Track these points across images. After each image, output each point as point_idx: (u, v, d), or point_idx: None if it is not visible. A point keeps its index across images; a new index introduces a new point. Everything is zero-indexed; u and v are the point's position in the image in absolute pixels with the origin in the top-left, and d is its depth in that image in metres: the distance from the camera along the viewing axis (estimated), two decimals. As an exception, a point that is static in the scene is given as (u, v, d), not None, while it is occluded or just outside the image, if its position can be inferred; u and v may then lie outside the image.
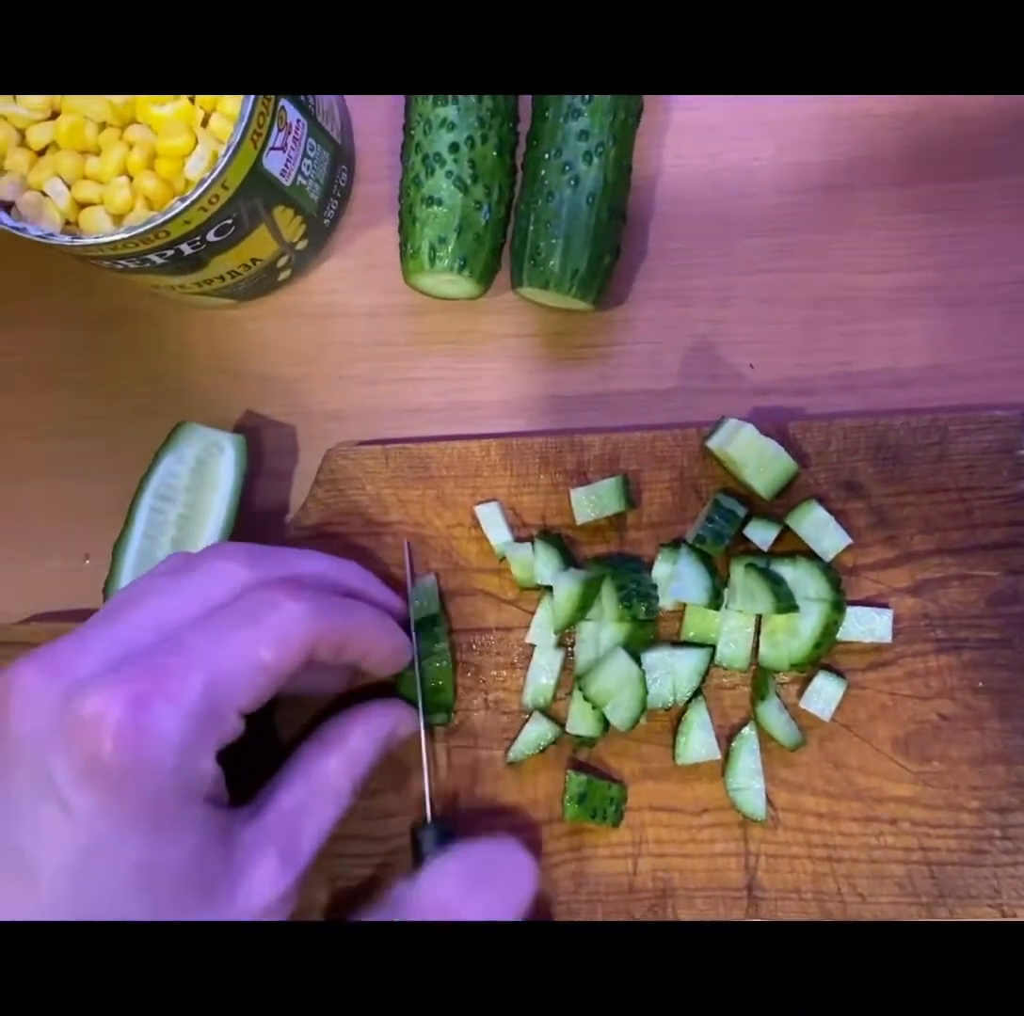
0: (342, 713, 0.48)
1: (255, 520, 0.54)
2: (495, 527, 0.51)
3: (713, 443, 0.49)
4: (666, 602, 0.49)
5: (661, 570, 0.49)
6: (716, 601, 0.48)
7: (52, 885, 0.36)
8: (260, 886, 0.40)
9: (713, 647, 0.49)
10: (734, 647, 0.49)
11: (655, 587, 0.49)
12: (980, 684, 0.48)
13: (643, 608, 0.48)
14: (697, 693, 0.49)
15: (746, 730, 0.49)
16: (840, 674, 0.49)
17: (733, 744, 0.49)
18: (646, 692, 0.48)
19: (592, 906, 0.50)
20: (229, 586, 0.41)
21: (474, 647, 0.51)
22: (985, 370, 0.52)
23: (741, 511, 0.49)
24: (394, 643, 0.47)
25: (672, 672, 0.49)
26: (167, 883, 0.37)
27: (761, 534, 0.49)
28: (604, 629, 0.49)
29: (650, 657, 0.48)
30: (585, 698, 0.48)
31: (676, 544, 0.49)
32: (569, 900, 0.50)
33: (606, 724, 0.48)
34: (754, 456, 0.48)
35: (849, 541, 0.48)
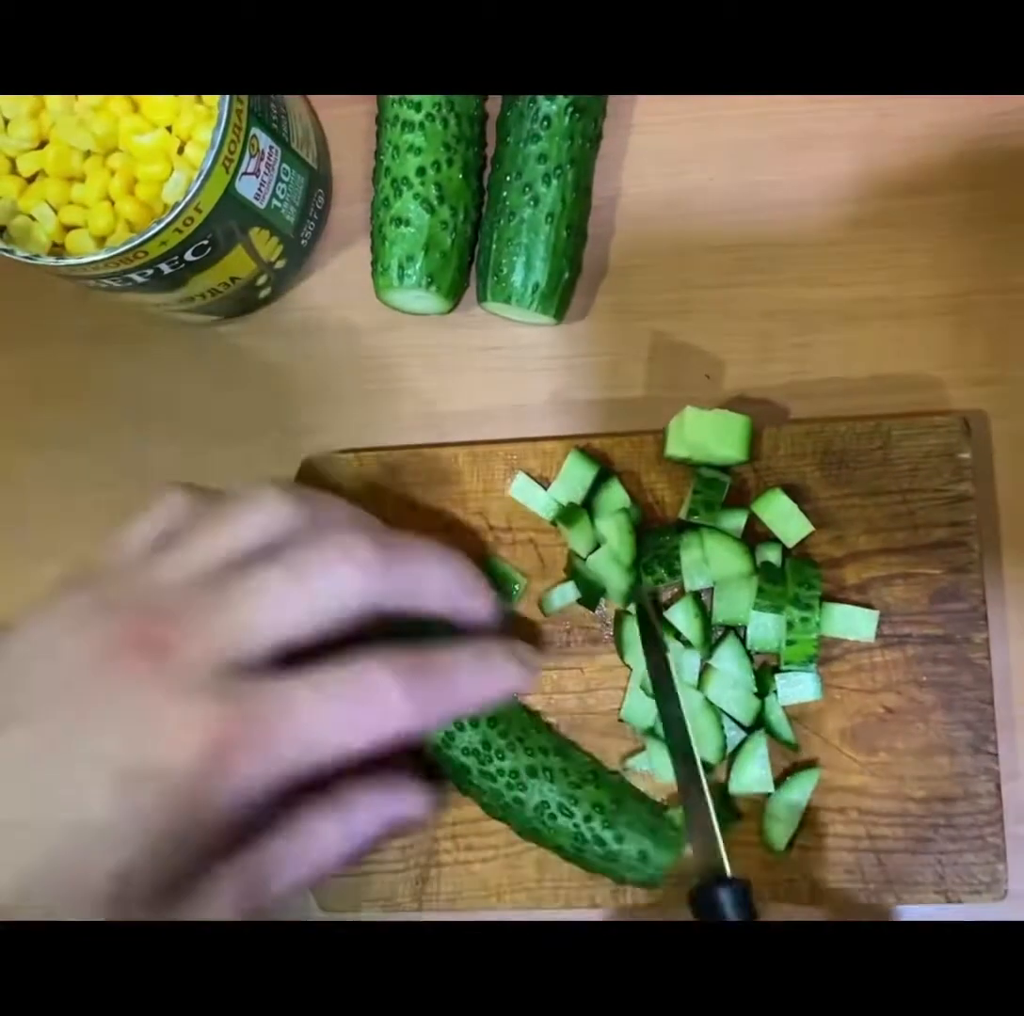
0: (360, 778, 0.43)
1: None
2: (532, 496, 0.53)
3: (671, 450, 0.51)
4: (704, 581, 0.50)
5: (691, 555, 0.50)
6: (754, 567, 0.50)
7: (64, 832, 0.36)
8: (201, 914, 0.39)
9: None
10: (763, 630, 0.50)
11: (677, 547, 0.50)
12: (924, 678, 0.50)
13: (664, 570, 0.50)
14: (758, 725, 0.51)
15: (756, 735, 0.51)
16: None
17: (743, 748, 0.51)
18: (718, 715, 0.50)
19: (556, 892, 0.52)
20: (351, 607, 0.39)
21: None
22: (929, 379, 0.54)
23: (725, 478, 0.51)
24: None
25: (735, 684, 0.50)
26: (143, 880, 0.37)
27: (731, 522, 0.51)
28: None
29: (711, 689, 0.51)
30: (661, 740, 0.50)
31: (695, 528, 0.50)
32: (534, 887, 0.52)
33: None
34: (709, 429, 0.49)
35: (811, 529, 0.50)
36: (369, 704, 0.39)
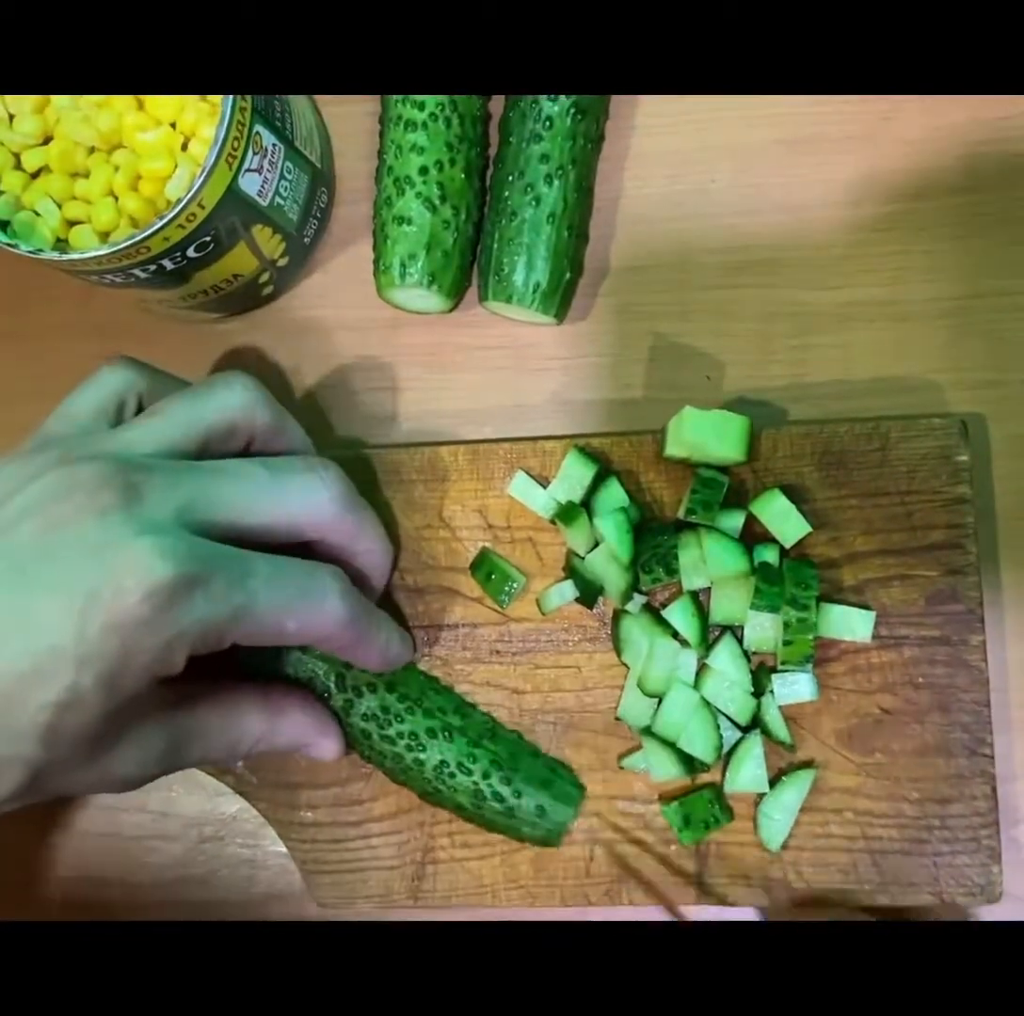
0: (296, 691, 0.50)
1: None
2: (531, 494, 0.53)
3: (669, 450, 0.52)
4: (702, 581, 0.51)
5: (689, 555, 0.50)
6: (752, 567, 0.50)
7: (8, 652, 0.37)
8: (124, 764, 0.42)
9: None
10: (760, 630, 0.50)
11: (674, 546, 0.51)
12: (920, 680, 0.51)
13: (662, 569, 0.50)
14: (754, 725, 0.51)
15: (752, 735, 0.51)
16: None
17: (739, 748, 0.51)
18: (714, 715, 0.50)
19: (551, 890, 0.52)
20: (313, 521, 0.44)
21: (441, 642, 0.54)
22: (928, 381, 0.54)
23: (723, 478, 0.51)
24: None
25: (732, 684, 0.50)
26: (79, 723, 0.38)
27: (729, 522, 0.51)
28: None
29: (707, 685, 0.51)
30: (657, 739, 0.50)
31: (693, 528, 0.51)
32: (530, 884, 0.52)
33: (688, 763, 0.50)
34: (708, 429, 0.50)
35: (809, 529, 0.50)
36: (314, 594, 0.43)
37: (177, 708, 0.44)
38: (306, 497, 0.44)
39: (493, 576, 0.53)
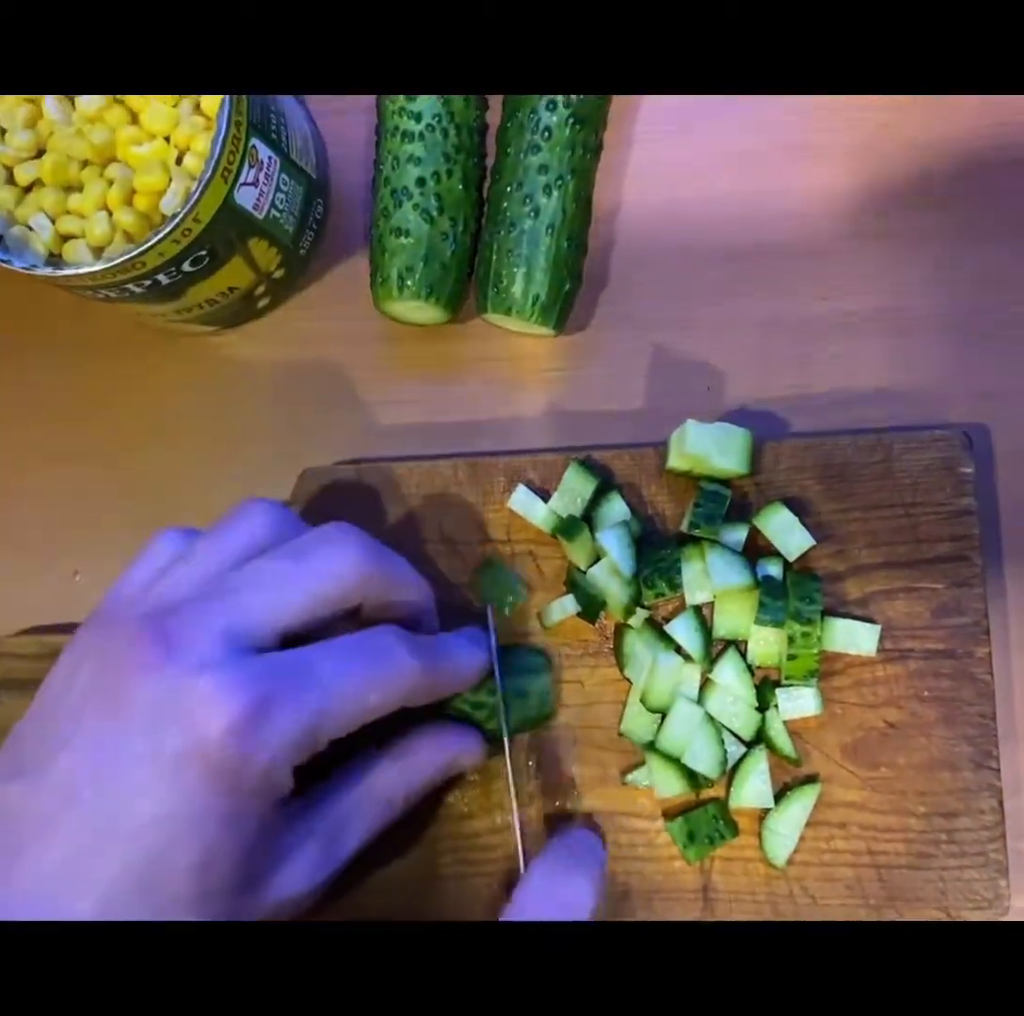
0: (413, 727, 0.48)
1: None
2: (532, 508, 0.53)
3: (672, 463, 0.51)
4: (705, 595, 0.50)
5: (692, 569, 0.50)
6: (755, 580, 0.50)
7: (133, 837, 0.37)
8: (292, 880, 0.42)
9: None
10: (764, 645, 0.50)
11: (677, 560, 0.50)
12: (926, 693, 0.50)
13: (664, 584, 0.50)
14: (758, 740, 0.50)
15: (757, 750, 0.50)
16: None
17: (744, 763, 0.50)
18: (718, 730, 0.50)
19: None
20: (346, 587, 0.43)
21: (441, 658, 0.53)
22: (931, 391, 0.54)
23: (726, 491, 0.50)
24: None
25: (736, 698, 0.50)
26: (223, 869, 0.39)
27: (732, 535, 0.51)
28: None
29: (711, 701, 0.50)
30: (661, 755, 0.50)
31: (696, 542, 0.50)
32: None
33: (692, 778, 0.50)
34: (710, 442, 0.49)
35: (813, 542, 0.50)
36: (380, 659, 0.42)
37: (313, 808, 0.44)
38: (332, 571, 0.42)
39: (497, 584, 0.52)
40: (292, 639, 0.41)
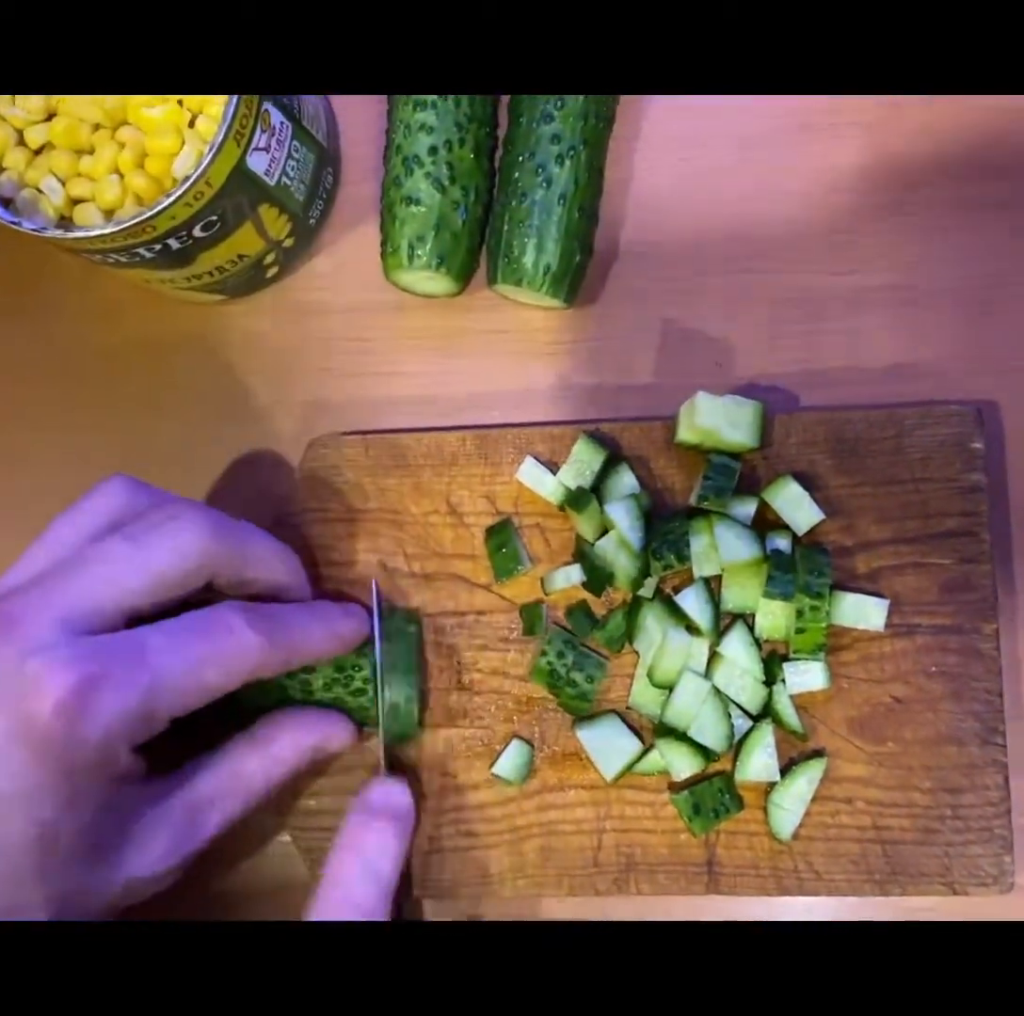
0: (278, 713, 0.49)
1: (240, 505, 0.56)
2: (540, 480, 0.53)
3: (681, 435, 0.51)
4: (713, 568, 0.50)
5: (701, 542, 0.50)
6: (764, 554, 0.50)
7: None
8: (148, 858, 0.43)
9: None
10: (772, 618, 0.50)
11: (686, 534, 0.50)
12: (933, 668, 0.50)
13: (673, 556, 0.49)
14: (765, 714, 0.50)
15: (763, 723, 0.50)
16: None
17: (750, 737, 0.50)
18: (725, 703, 0.50)
19: (559, 879, 0.51)
20: (187, 567, 0.43)
21: (448, 629, 0.53)
22: (941, 367, 0.53)
23: (736, 464, 0.50)
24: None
25: (743, 672, 0.50)
26: (61, 845, 0.40)
27: (741, 509, 0.51)
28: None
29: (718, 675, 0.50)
30: (669, 727, 0.50)
31: (705, 515, 0.50)
32: (536, 874, 0.51)
33: (704, 754, 0.49)
34: (721, 415, 0.49)
35: (822, 516, 0.50)
36: (217, 635, 0.43)
37: (169, 790, 0.45)
38: (172, 548, 0.43)
39: (504, 550, 0.52)
40: (143, 619, 0.42)
